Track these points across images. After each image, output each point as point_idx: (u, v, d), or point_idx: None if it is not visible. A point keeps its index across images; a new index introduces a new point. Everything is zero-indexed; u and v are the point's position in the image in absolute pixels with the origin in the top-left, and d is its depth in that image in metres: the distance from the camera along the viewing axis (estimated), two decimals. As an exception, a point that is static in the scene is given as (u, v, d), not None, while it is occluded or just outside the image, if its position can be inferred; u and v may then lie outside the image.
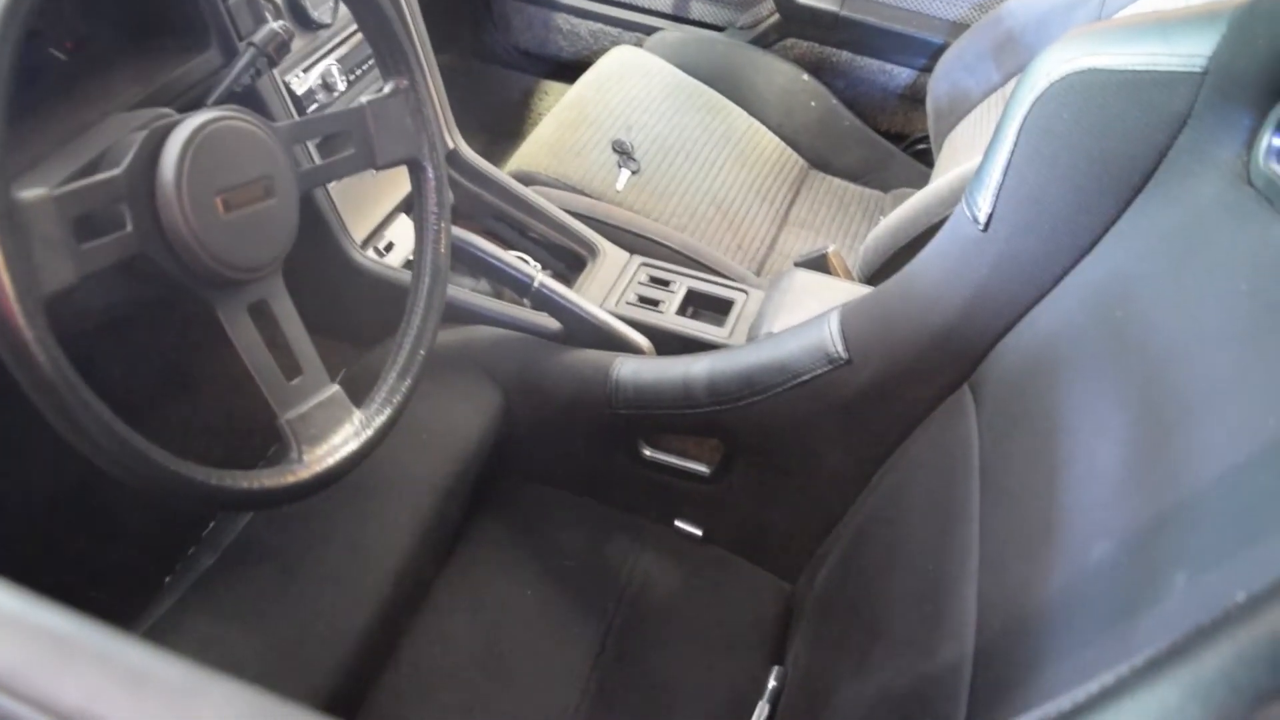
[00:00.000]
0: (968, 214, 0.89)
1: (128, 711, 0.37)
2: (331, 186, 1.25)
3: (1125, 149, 0.75)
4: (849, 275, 1.41)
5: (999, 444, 0.81)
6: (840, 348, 1.00)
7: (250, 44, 0.98)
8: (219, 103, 0.95)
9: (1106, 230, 0.78)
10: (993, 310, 0.89)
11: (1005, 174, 0.84)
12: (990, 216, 0.86)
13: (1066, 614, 0.59)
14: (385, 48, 0.91)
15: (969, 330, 0.91)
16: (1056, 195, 0.80)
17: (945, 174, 1.37)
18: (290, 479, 0.78)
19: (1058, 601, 0.61)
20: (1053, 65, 0.79)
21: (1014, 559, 0.70)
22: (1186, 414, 0.58)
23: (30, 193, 0.62)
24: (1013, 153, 0.82)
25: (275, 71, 1.13)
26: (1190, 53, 0.70)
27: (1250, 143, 0.67)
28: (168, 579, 1.06)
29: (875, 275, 1.46)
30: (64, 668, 0.39)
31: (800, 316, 1.15)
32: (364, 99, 0.90)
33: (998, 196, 0.85)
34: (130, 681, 0.38)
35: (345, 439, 0.84)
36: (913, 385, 0.97)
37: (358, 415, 0.86)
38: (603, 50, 2.17)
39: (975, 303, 0.90)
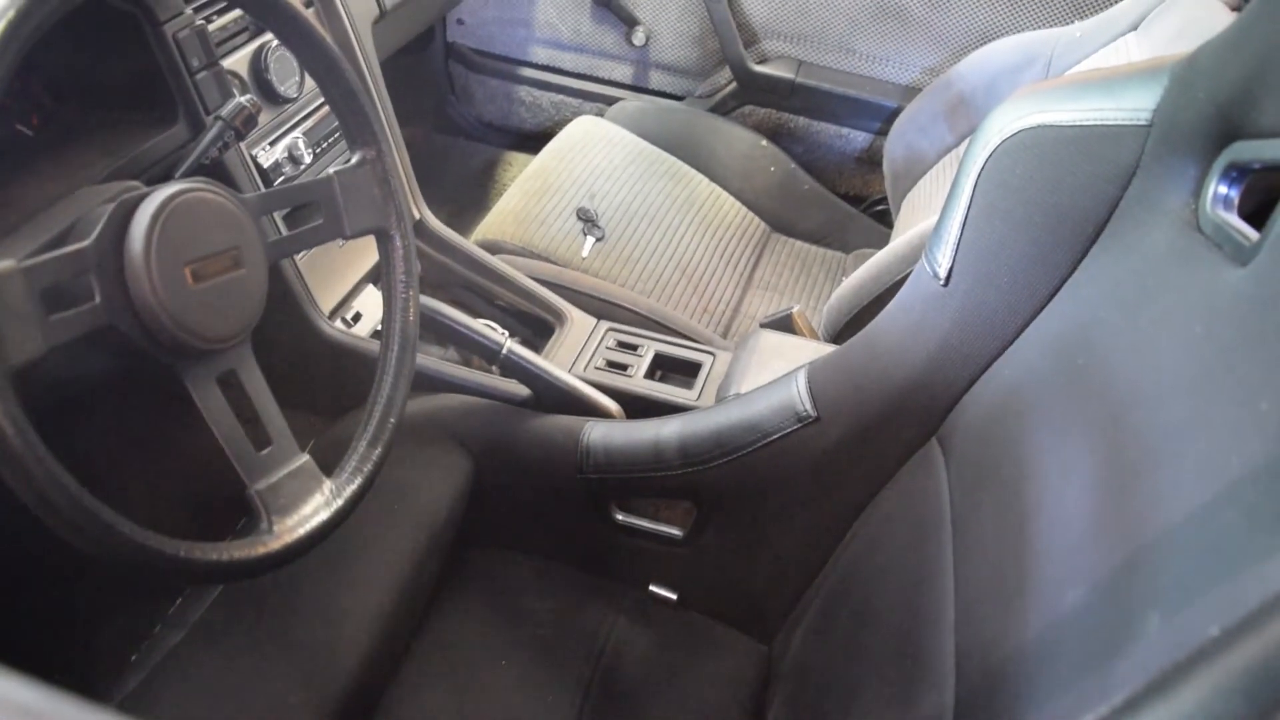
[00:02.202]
0: (928, 269, 0.90)
1: None
2: (299, 257, 1.25)
3: (1078, 201, 0.77)
4: (814, 334, 1.43)
5: (969, 495, 0.82)
6: (808, 405, 1.01)
7: (218, 118, 0.99)
8: (187, 175, 0.96)
9: (1064, 280, 0.80)
10: (957, 363, 0.90)
11: (963, 229, 0.85)
12: (950, 271, 0.87)
13: (1044, 660, 0.60)
14: (352, 119, 0.92)
15: (934, 384, 0.92)
16: (1014, 248, 0.82)
17: (904, 233, 1.40)
18: (260, 550, 0.77)
19: (1035, 648, 0.61)
20: (1004, 122, 0.81)
21: (989, 608, 0.70)
22: (1151, 456, 0.59)
23: None
24: (969, 208, 0.84)
25: (242, 145, 1.14)
26: (1135, 106, 0.73)
27: (1197, 191, 0.68)
28: (134, 656, 1.04)
29: (840, 334, 1.47)
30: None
31: (767, 376, 1.16)
32: (332, 170, 0.91)
33: (956, 251, 0.86)
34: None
35: (316, 509, 0.83)
36: (881, 440, 0.98)
37: (328, 485, 0.86)
38: (564, 121, 2.21)
39: (939, 356, 0.91)
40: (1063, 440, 0.70)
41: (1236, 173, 0.64)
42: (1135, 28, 1.46)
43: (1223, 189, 0.65)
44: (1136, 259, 0.72)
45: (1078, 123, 0.76)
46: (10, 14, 0.63)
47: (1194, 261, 0.66)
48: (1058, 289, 0.80)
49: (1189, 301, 0.64)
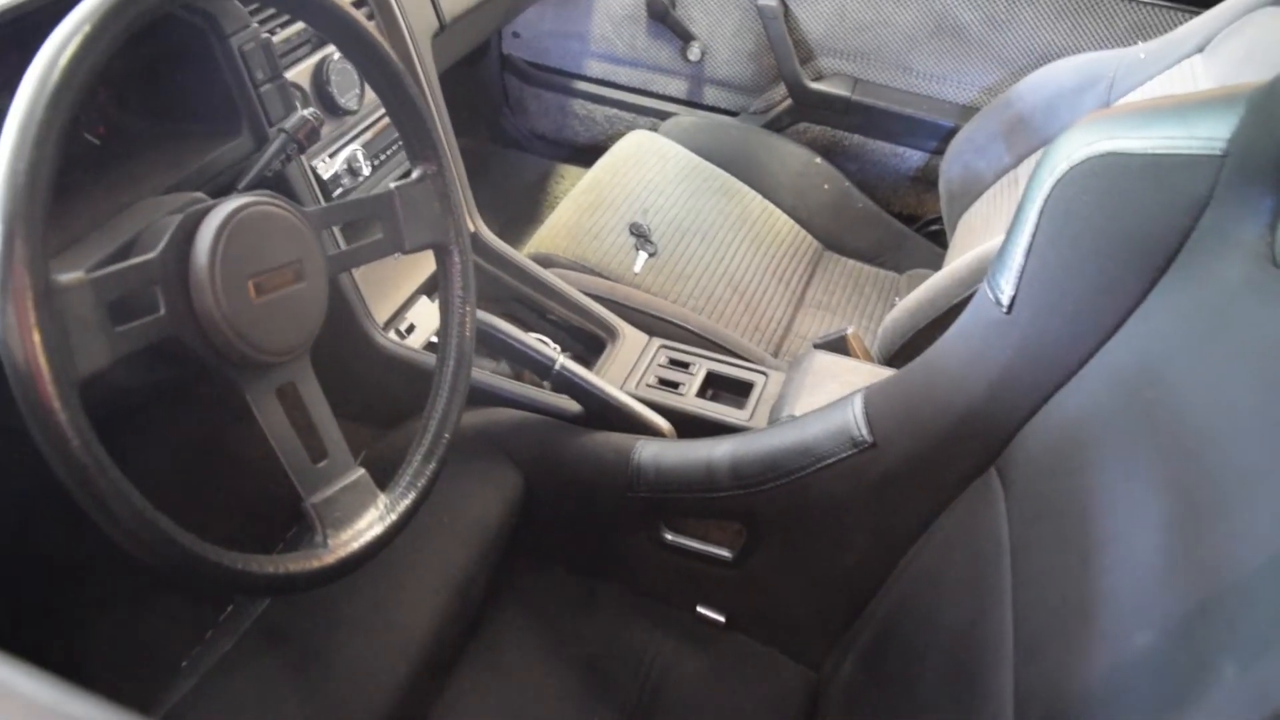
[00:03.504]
0: (990, 296, 0.89)
1: None
2: (355, 270, 1.26)
3: (1148, 231, 0.75)
4: (868, 357, 1.41)
5: (1029, 527, 0.80)
6: (864, 431, 1.00)
7: (282, 130, 1.00)
8: (249, 188, 0.97)
9: (1131, 312, 0.78)
10: (1018, 392, 0.88)
11: (1027, 256, 0.84)
12: (1014, 299, 0.86)
13: (1111, 701, 0.58)
14: (414, 134, 0.93)
15: (995, 413, 0.90)
16: (1080, 277, 0.80)
17: (961, 255, 1.38)
18: (315, 564, 0.78)
19: (1100, 689, 0.60)
20: (1072, 148, 0.80)
21: (1051, 644, 0.69)
22: (1225, 498, 0.58)
23: (67, 276, 0.63)
24: (1034, 235, 0.83)
25: (303, 156, 1.15)
26: (1210, 135, 0.71)
27: (1273, 224, 0.67)
28: (184, 663, 1.05)
29: (895, 357, 1.46)
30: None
31: (821, 398, 1.15)
32: (392, 184, 0.91)
33: (1020, 278, 0.85)
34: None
35: (370, 523, 0.83)
36: (938, 469, 0.97)
37: (382, 499, 0.86)
38: (618, 135, 2.21)
39: (1000, 385, 0.89)
40: (1130, 476, 0.68)
41: (1315, 206, 0.63)
42: (1201, 50, 1.44)
43: None
44: (1208, 292, 0.70)
45: (1149, 151, 0.74)
46: (86, 29, 0.64)
47: (1269, 297, 0.64)
48: (1124, 320, 0.79)
49: (1264, 337, 0.63)
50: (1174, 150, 0.73)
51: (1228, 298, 0.68)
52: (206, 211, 0.74)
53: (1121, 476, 0.69)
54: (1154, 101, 0.78)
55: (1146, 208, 0.75)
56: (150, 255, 0.70)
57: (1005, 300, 0.87)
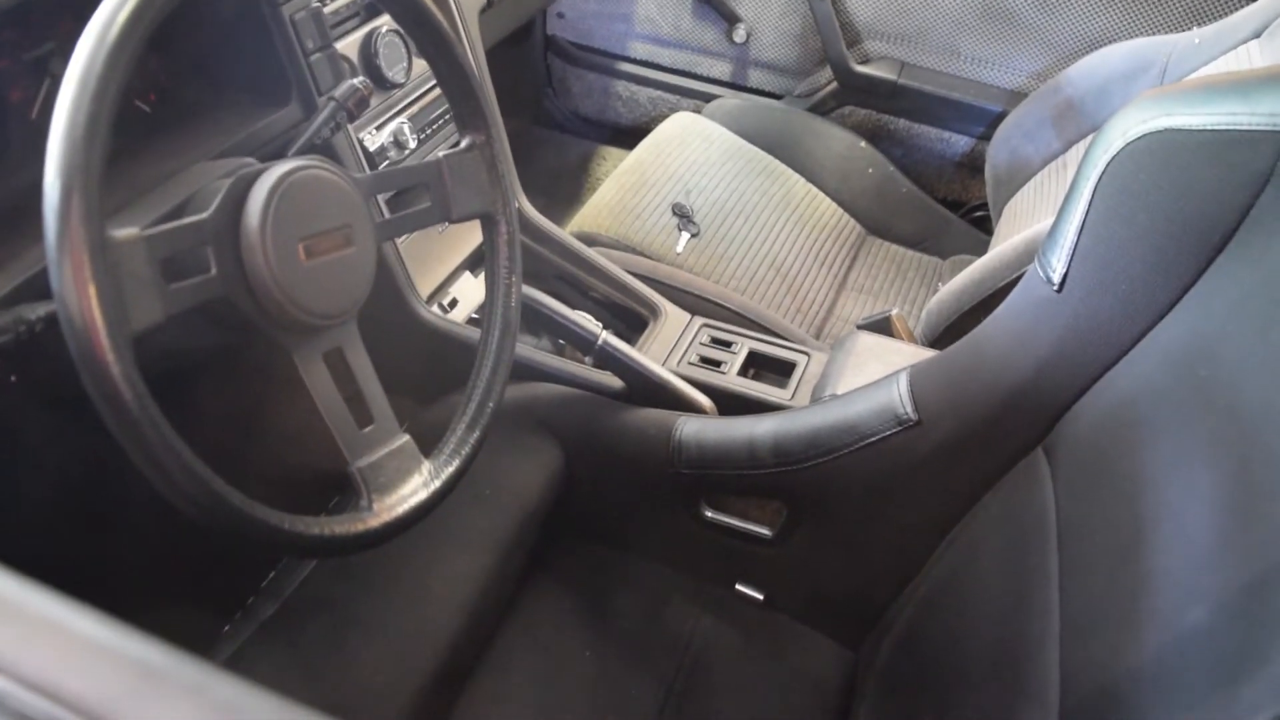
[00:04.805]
0: (1041, 274, 0.88)
1: None
2: (400, 242, 1.26)
3: (1206, 209, 0.74)
4: (912, 338, 1.40)
5: (1077, 507, 0.79)
6: (910, 409, 0.99)
7: (331, 98, 1.00)
8: (299, 155, 0.97)
9: (1186, 290, 0.77)
10: (1068, 372, 0.87)
11: (1080, 234, 0.83)
12: (1065, 277, 0.85)
13: (1161, 681, 0.57)
14: (463, 103, 0.92)
15: (1043, 392, 0.89)
16: (1134, 255, 0.79)
17: (1007, 240, 1.36)
18: (360, 527, 0.78)
19: (1152, 666, 0.59)
20: (1129, 125, 0.78)
21: (1100, 623, 0.68)
22: (1282, 474, 0.57)
23: (122, 231, 0.63)
24: (1087, 213, 0.82)
25: (350, 127, 1.15)
26: (1272, 111, 0.70)
27: None
28: (226, 628, 1.06)
29: (939, 338, 1.44)
30: (157, 700, 0.38)
31: (864, 378, 1.14)
32: (440, 153, 0.91)
33: (1072, 256, 0.84)
34: (224, 716, 0.38)
35: (415, 489, 0.84)
36: (984, 448, 0.96)
37: (427, 466, 0.86)
38: (661, 117, 2.20)
39: (1049, 364, 0.88)
40: (1183, 455, 0.67)
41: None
42: (1259, 35, 1.41)
43: None
44: (1267, 270, 0.69)
45: (1208, 127, 0.73)
46: None
47: None
48: (1179, 298, 0.77)
49: None
50: (1234, 126, 0.72)
51: None
52: (258, 174, 0.75)
53: (1174, 455, 0.68)
54: (1213, 78, 0.77)
55: (1204, 185, 0.73)
56: (203, 215, 0.71)
57: (1056, 279, 0.86)
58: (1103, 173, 0.80)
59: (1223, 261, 0.74)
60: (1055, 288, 0.86)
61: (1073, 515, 0.79)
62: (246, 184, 0.74)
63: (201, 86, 1.04)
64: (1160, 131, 0.76)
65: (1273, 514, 0.56)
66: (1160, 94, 0.79)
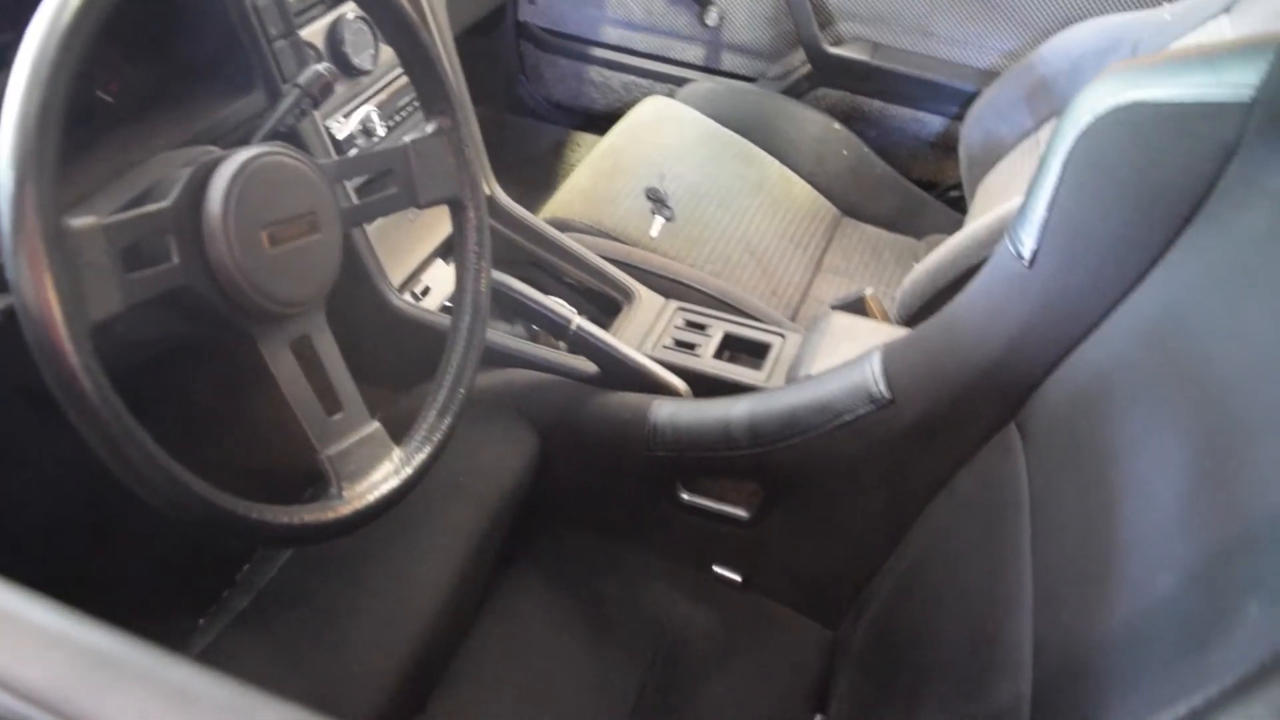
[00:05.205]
0: (1011, 250, 0.88)
1: None
2: (370, 231, 1.25)
3: (1174, 180, 0.74)
4: (886, 318, 1.40)
5: (1049, 480, 0.79)
6: (883, 387, 0.99)
7: (295, 85, 0.99)
8: (263, 142, 0.96)
9: (1155, 262, 0.77)
10: (1039, 346, 0.87)
11: (1050, 209, 0.83)
12: (1035, 252, 0.85)
13: (1131, 648, 0.58)
14: (428, 87, 0.92)
15: (1015, 367, 0.90)
16: (1103, 229, 0.79)
17: (980, 219, 1.36)
18: (330, 515, 0.78)
19: (1121, 636, 0.59)
20: (1097, 99, 0.78)
21: (1071, 595, 0.68)
22: (1250, 441, 0.57)
23: (79, 221, 0.62)
24: (1057, 188, 0.82)
25: (317, 115, 1.14)
26: (1238, 82, 0.70)
27: None
28: (201, 621, 1.05)
29: (913, 318, 1.44)
30: (110, 687, 0.38)
31: (839, 358, 1.14)
32: (407, 138, 0.90)
33: (1043, 232, 0.84)
34: (179, 701, 0.37)
35: (385, 476, 0.83)
36: (957, 424, 0.96)
37: (397, 453, 0.86)
38: (634, 102, 2.19)
39: (1021, 339, 0.88)
40: (1153, 424, 0.68)
41: (1346, 152, 0.62)
42: (1228, 10, 1.41)
43: None
44: (1235, 240, 0.69)
45: (1176, 99, 0.73)
46: None
47: None
48: (1148, 271, 0.78)
49: None
50: (1201, 98, 0.72)
51: (1255, 245, 0.67)
52: (219, 161, 0.74)
53: (1144, 425, 0.69)
54: (1180, 51, 0.77)
55: (1172, 157, 0.74)
56: (164, 204, 0.70)
57: (1027, 254, 0.86)
58: (1072, 148, 0.80)
59: (1191, 233, 0.74)
60: (1026, 263, 0.86)
61: (1045, 488, 0.79)
62: (208, 171, 0.73)
63: (165, 76, 1.03)
64: (1128, 105, 0.76)
65: (1240, 482, 0.56)
66: (1127, 67, 0.79)
